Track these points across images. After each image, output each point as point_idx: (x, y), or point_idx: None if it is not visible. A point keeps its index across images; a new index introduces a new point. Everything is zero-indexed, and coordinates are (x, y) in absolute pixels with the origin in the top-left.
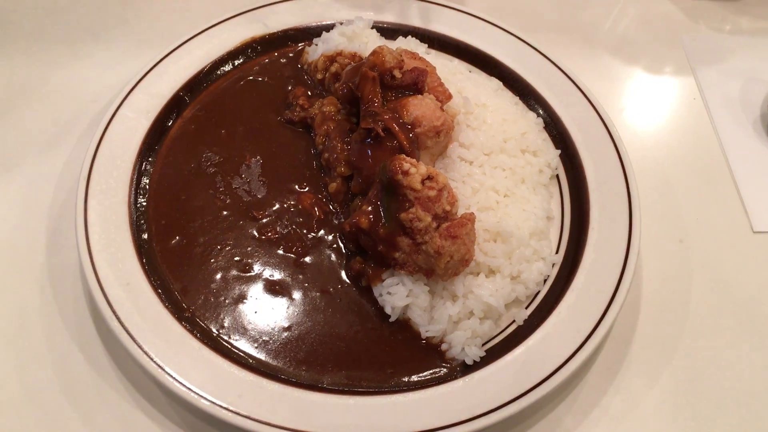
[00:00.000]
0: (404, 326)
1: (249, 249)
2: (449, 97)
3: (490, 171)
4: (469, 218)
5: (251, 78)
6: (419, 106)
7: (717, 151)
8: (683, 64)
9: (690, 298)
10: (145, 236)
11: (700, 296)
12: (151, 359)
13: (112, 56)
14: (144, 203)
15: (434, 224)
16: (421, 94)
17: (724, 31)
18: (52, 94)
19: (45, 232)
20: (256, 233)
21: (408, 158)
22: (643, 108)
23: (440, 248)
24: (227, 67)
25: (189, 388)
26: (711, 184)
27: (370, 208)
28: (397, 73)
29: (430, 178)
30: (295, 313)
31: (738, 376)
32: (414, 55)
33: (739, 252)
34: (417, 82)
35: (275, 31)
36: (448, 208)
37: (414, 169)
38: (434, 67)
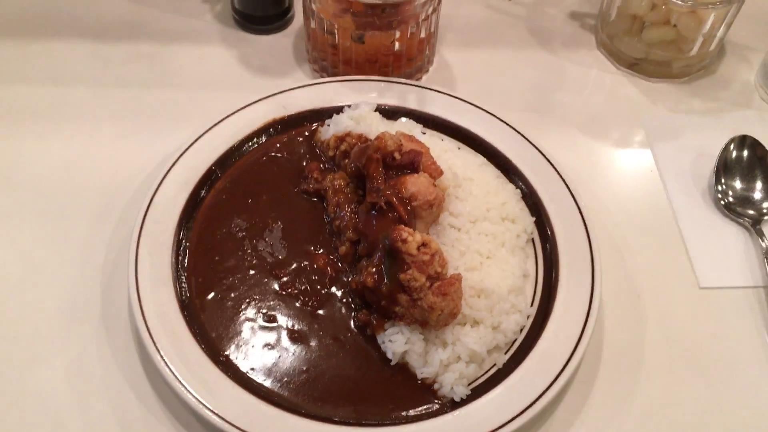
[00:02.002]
0: (403, 368)
1: (272, 303)
2: (441, 173)
3: (475, 236)
4: (457, 278)
5: (272, 154)
6: (415, 184)
7: (670, 217)
8: (643, 140)
9: (645, 346)
10: (186, 292)
11: (654, 343)
12: (192, 395)
13: (152, 133)
14: (184, 263)
15: (428, 283)
16: (417, 172)
17: (678, 111)
18: (102, 166)
19: (99, 287)
20: (278, 289)
21: (406, 228)
22: (607, 179)
23: (433, 304)
24: (252, 145)
25: (225, 420)
26: (664, 246)
27: (374, 270)
28: (397, 155)
29: (424, 244)
30: (312, 358)
31: (685, 413)
32: (411, 138)
33: (687, 305)
34: (413, 162)
35: (293, 113)
36: (439, 269)
37: (411, 238)
38: (428, 148)
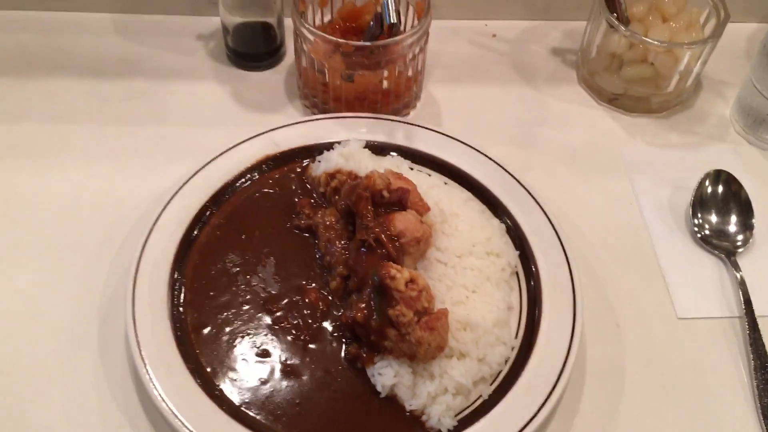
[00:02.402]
0: (392, 400)
1: (265, 337)
2: (427, 209)
3: (461, 271)
4: (444, 313)
5: (265, 190)
6: (403, 221)
7: (649, 248)
8: (622, 173)
9: (625, 375)
10: (182, 328)
11: (633, 372)
12: (189, 430)
13: (147, 169)
14: (180, 299)
15: (415, 318)
16: (405, 209)
17: (656, 145)
18: (98, 202)
19: (96, 323)
20: (271, 323)
21: (394, 265)
22: (588, 211)
23: (420, 338)
24: (246, 181)
25: None
26: (643, 277)
27: (363, 305)
28: (385, 193)
29: (412, 281)
30: (304, 390)
31: None
32: (399, 176)
33: (665, 335)
34: (401, 199)
35: (285, 149)
36: (426, 305)
37: (399, 275)
38: (415, 185)
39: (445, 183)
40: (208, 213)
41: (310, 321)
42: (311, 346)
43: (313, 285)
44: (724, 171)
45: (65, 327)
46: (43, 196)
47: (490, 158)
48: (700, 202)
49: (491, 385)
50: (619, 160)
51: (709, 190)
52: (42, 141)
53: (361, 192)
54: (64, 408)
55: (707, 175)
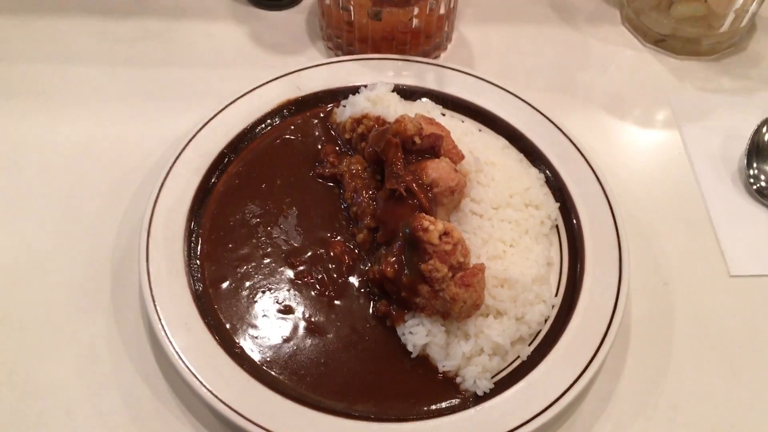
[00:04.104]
0: (424, 361)
1: (288, 292)
2: (462, 157)
3: (498, 223)
4: (480, 268)
5: (287, 136)
6: (436, 169)
7: (699, 202)
8: (670, 121)
9: (673, 337)
10: (199, 281)
11: (682, 334)
12: (207, 389)
13: (162, 114)
14: (197, 251)
15: (450, 274)
16: (438, 157)
17: (707, 90)
18: (111, 149)
19: (109, 274)
20: (293, 277)
21: (427, 216)
22: (633, 161)
23: (455, 295)
24: (266, 127)
25: (241, 414)
26: (693, 232)
27: (394, 259)
28: (417, 140)
29: (446, 233)
30: (329, 350)
31: (716, 405)
32: (431, 121)
33: (717, 294)
34: (434, 146)
35: (307, 93)
36: (461, 259)
37: (432, 227)
38: (448, 131)
39: (479, 130)
40: (225, 160)
41: (335, 276)
42: (337, 302)
43: (339, 238)
44: None
45: (76, 280)
46: (51, 143)
47: (528, 103)
48: (756, 152)
49: (530, 345)
50: (667, 107)
51: (766, 138)
52: (50, 84)
53: (391, 137)
54: (76, 365)
55: (764, 122)
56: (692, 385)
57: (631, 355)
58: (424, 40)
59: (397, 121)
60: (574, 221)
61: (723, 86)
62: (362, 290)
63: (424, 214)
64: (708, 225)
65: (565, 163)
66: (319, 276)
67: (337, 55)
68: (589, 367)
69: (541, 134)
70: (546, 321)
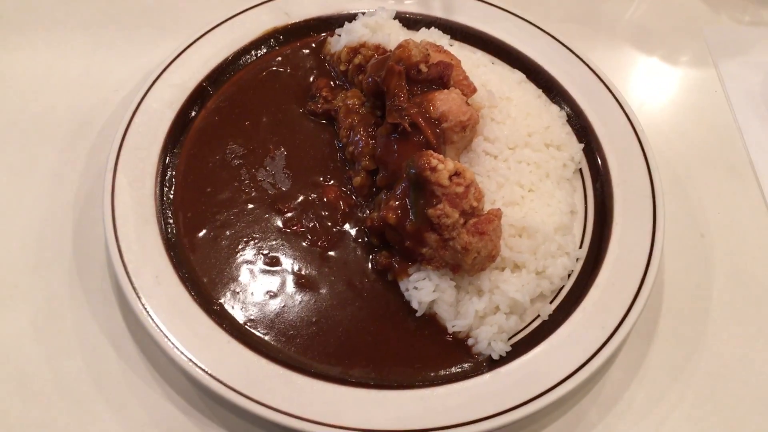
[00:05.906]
0: (431, 321)
1: (275, 242)
2: (474, 90)
3: (514, 165)
4: (496, 214)
5: (274, 69)
6: (446, 101)
7: (738, 145)
8: (704, 56)
9: (712, 294)
10: (173, 229)
11: (721, 291)
12: (181, 352)
13: (133, 44)
14: (170, 195)
15: (461, 220)
16: (447, 88)
17: (744, 23)
18: (74, 83)
19: (71, 222)
20: (281, 226)
21: (435, 154)
22: (664, 100)
23: (468, 244)
24: (250, 58)
25: (220, 381)
26: (732, 178)
27: (397, 204)
28: (423, 68)
29: (457, 174)
30: (322, 307)
31: (760, 371)
32: (439, 48)
33: (760, 246)
34: (443, 76)
35: (297, 20)
36: (475, 204)
37: (442, 166)
38: (459, 61)
39: (492, 63)
40: (204, 94)
41: (329, 224)
42: (330, 253)
43: (333, 181)
44: None
45: (34, 229)
46: (9, 75)
47: (548, 33)
48: None
49: (551, 303)
50: (701, 41)
51: None
52: (6, 10)
53: (393, 65)
54: (32, 324)
55: None
56: (733, 347)
57: (664, 316)
58: None
59: (400, 46)
60: (601, 164)
61: (763, 19)
62: (360, 240)
63: (431, 152)
64: (749, 170)
65: (591, 99)
66: (311, 224)
67: None
68: (620, 329)
69: (562, 67)
70: (569, 276)
